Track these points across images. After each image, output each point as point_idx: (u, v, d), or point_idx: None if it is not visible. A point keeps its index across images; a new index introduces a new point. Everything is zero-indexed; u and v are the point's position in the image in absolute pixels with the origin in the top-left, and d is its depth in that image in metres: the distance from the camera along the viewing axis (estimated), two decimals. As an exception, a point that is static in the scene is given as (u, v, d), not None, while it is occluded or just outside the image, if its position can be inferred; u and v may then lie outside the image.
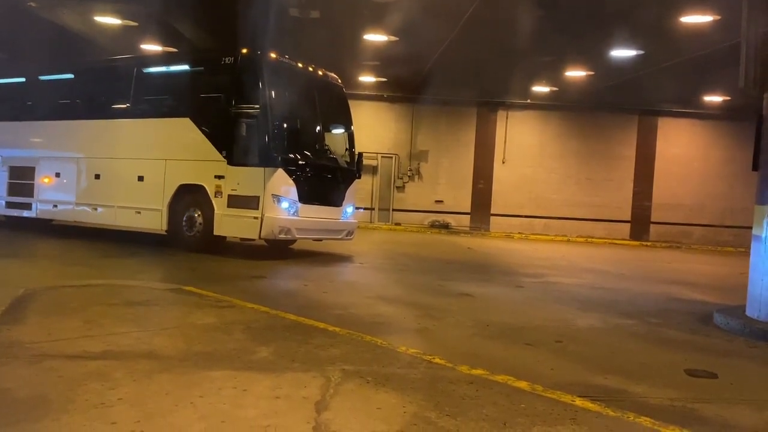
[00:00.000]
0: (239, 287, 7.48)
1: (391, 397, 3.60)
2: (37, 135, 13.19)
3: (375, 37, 16.03)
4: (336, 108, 11.82)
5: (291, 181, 9.95)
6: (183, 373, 3.84)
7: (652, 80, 18.69)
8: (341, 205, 11.10)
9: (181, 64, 11.97)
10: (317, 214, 10.58)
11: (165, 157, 10.91)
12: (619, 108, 23.45)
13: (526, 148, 24.10)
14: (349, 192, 11.31)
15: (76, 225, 12.79)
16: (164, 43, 17.53)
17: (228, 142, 10.14)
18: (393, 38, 15.92)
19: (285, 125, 10.11)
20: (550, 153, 24.15)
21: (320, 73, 11.44)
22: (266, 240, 10.58)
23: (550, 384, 4.04)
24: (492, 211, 24.00)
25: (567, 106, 23.42)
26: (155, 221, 10.89)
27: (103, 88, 12.42)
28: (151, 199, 10.89)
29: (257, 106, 9.96)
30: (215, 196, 10.14)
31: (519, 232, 23.46)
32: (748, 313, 6.76)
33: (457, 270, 11.22)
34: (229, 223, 10.09)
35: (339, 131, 11.83)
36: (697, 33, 13.98)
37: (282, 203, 9.87)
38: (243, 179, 9.94)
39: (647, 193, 24.09)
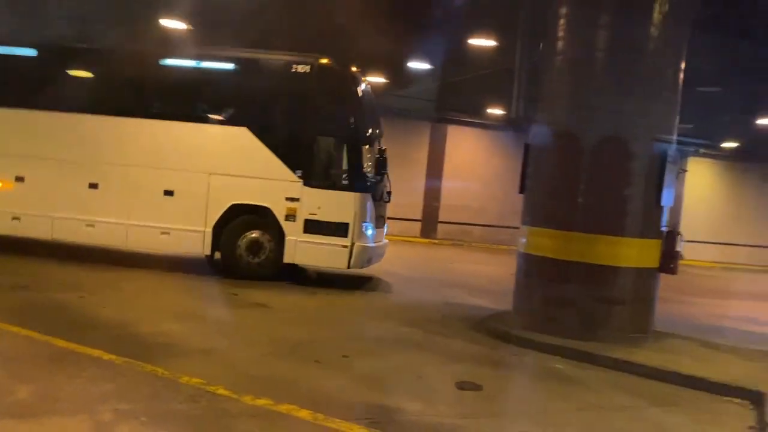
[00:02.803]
0: (-1, 303, 6.63)
1: (167, 440, 3.44)
2: None
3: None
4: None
5: (373, 206, 9.55)
6: None
7: (442, 92, 20.06)
8: (383, 226, 10.84)
9: (229, 63, 9.87)
10: (379, 237, 10.26)
11: (209, 171, 9.39)
12: (414, 115, 24.83)
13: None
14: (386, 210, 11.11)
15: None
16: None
17: (305, 161, 9.21)
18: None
19: (370, 146, 9.64)
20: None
21: (369, 84, 10.86)
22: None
23: (332, 410, 4.15)
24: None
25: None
26: (194, 244, 9.47)
27: (106, 78, 10.02)
28: (187, 218, 9.38)
29: (346, 124, 9.35)
30: (286, 220, 9.17)
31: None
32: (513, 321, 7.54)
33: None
34: (306, 251, 9.21)
35: (380, 146, 10.79)
36: (481, 54, 15.28)
37: (368, 230, 9.35)
38: (326, 203, 9.13)
39: (436, 194, 25.87)
